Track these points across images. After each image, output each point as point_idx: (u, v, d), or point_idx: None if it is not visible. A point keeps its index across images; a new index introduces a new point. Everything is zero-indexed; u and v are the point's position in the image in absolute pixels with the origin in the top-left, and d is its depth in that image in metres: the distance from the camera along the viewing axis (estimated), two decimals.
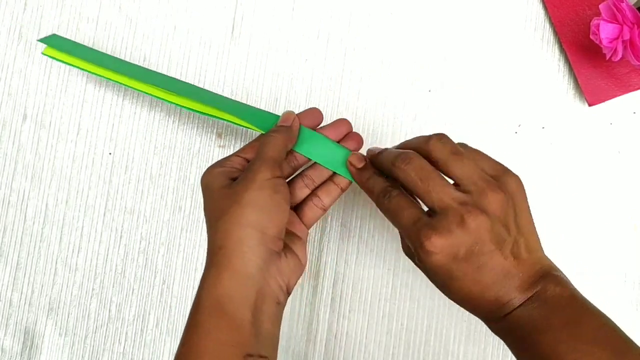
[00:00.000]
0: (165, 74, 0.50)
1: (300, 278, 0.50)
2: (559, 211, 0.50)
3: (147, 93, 0.45)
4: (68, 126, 0.52)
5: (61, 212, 0.52)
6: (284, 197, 0.37)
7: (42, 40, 0.48)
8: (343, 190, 0.43)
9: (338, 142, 0.43)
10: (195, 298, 0.35)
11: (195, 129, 0.52)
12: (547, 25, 0.51)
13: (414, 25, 0.52)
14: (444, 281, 0.34)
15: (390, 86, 0.51)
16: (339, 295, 0.50)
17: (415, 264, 0.36)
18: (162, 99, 0.45)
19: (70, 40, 0.50)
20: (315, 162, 0.43)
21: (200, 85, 0.52)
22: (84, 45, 0.50)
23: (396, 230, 0.50)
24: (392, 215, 0.36)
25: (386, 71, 0.52)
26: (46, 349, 0.51)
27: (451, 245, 0.32)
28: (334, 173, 0.42)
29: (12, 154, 0.52)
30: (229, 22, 0.52)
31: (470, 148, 0.37)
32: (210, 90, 0.50)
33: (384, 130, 0.51)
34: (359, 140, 0.43)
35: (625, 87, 0.50)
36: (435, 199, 0.34)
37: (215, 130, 0.52)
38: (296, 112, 0.43)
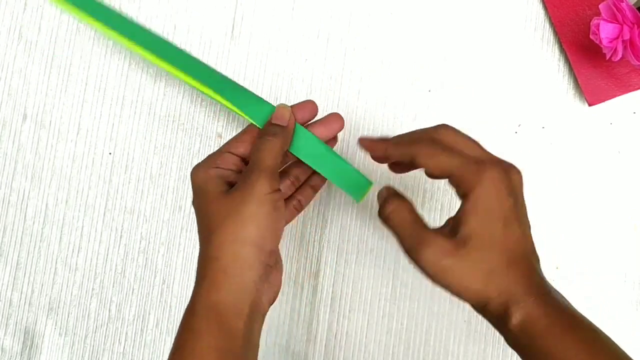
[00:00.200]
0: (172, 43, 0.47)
1: (301, 277, 0.50)
2: (559, 211, 0.50)
3: (147, 59, 0.43)
4: (68, 126, 0.52)
5: (61, 211, 0.52)
6: (282, 214, 0.37)
7: None
8: (316, 191, 0.43)
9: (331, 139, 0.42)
10: (190, 305, 0.35)
11: (195, 129, 0.52)
12: (547, 25, 0.51)
13: (414, 25, 0.52)
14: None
15: (390, 86, 0.51)
16: (339, 295, 0.50)
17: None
18: (159, 65, 0.43)
19: None
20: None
21: None
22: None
23: None
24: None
25: (386, 71, 0.52)
26: (46, 348, 0.51)
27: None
28: (312, 174, 0.42)
29: (12, 154, 0.53)
30: (229, 22, 0.52)
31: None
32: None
33: (384, 130, 0.51)
34: (335, 125, 0.42)
35: (625, 87, 0.50)
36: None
37: (215, 130, 0.52)
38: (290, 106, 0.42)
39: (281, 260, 0.41)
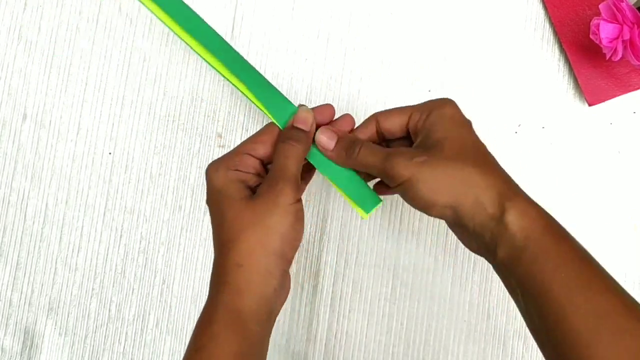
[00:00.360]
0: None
1: (301, 277, 0.50)
2: (559, 211, 0.50)
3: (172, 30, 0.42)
4: (68, 126, 0.52)
5: (61, 211, 0.52)
6: (303, 225, 0.37)
7: None
8: (306, 184, 0.44)
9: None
10: (210, 308, 0.35)
11: (195, 129, 0.52)
12: (547, 25, 0.51)
13: (414, 25, 0.52)
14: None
15: (390, 86, 0.51)
16: (339, 295, 0.50)
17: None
18: (186, 42, 0.42)
19: None
20: None
21: (200, 84, 0.52)
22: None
23: (396, 230, 0.50)
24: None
25: (386, 71, 0.52)
26: (46, 348, 0.51)
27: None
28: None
29: (12, 154, 0.53)
30: (229, 21, 0.52)
31: None
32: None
33: None
34: (349, 126, 0.41)
35: (625, 87, 0.50)
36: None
37: (215, 130, 0.52)
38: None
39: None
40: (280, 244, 0.35)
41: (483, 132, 0.51)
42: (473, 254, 0.37)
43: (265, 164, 0.40)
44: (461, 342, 0.49)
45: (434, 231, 0.50)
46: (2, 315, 0.52)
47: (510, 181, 0.35)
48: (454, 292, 0.50)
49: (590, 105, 0.50)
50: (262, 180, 0.38)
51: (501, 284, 0.36)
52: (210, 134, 0.52)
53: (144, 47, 0.53)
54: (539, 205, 0.34)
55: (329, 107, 0.41)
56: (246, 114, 0.52)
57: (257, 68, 0.52)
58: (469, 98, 0.51)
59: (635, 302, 0.32)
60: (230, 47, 0.43)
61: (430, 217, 0.51)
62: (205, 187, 0.38)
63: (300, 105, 0.40)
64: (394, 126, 0.38)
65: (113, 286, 0.52)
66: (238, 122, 0.52)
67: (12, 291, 0.52)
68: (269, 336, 0.37)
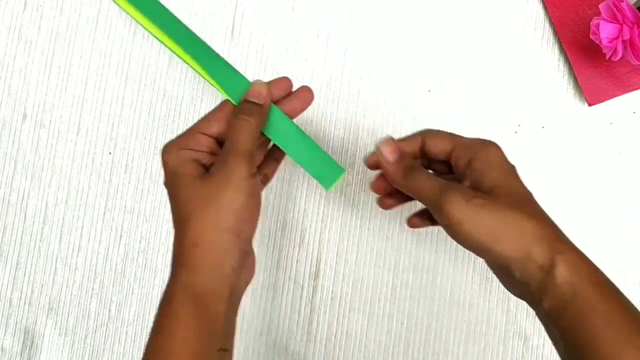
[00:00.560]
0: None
1: (301, 277, 0.50)
2: (559, 211, 0.50)
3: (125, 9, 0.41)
4: (68, 126, 0.52)
5: (61, 211, 0.52)
6: (259, 199, 0.37)
7: None
8: (279, 162, 0.43)
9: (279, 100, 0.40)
10: (169, 289, 0.35)
11: None
12: (547, 25, 0.51)
13: (414, 25, 0.52)
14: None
15: (390, 86, 0.51)
16: (339, 295, 0.50)
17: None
18: (137, 20, 0.41)
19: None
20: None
21: (200, 84, 0.52)
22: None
23: (396, 230, 0.50)
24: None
25: (386, 71, 0.52)
26: (46, 348, 0.51)
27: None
28: (274, 146, 0.41)
29: (12, 154, 0.53)
30: (229, 21, 0.52)
31: None
32: None
33: (384, 129, 0.51)
34: (307, 98, 0.41)
35: (625, 87, 0.50)
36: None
37: None
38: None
39: (252, 245, 0.40)
40: (235, 221, 0.35)
41: (483, 132, 0.51)
42: (473, 254, 0.37)
43: (221, 143, 0.39)
44: (461, 342, 0.49)
45: (434, 231, 0.50)
46: (2, 315, 0.52)
47: (559, 232, 0.35)
48: (454, 292, 0.50)
49: (590, 105, 0.50)
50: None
51: (501, 284, 0.36)
52: None
53: (143, 47, 0.52)
54: (589, 259, 0.34)
55: (285, 80, 0.40)
56: None
57: (257, 67, 0.52)
58: (469, 98, 0.51)
59: None
60: (181, 23, 0.42)
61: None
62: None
63: (255, 80, 0.39)
64: (437, 150, 0.38)
65: (113, 286, 0.52)
66: None
67: (12, 291, 0.52)
68: (234, 316, 0.37)
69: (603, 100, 0.50)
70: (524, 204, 0.34)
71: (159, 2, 0.42)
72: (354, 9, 0.52)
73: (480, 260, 0.41)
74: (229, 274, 0.35)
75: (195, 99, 0.52)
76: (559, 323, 0.33)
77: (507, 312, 0.49)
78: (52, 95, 0.53)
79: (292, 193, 0.51)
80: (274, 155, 0.42)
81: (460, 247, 0.47)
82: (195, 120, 0.38)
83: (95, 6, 0.53)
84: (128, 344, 0.51)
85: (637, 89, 0.50)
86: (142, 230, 0.52)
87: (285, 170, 0.51)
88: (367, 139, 0.51)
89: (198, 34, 0.52)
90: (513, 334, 0.49)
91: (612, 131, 0.51)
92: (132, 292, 0.51)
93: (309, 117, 0.51)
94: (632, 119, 0.51)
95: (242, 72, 0.52)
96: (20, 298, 0.52)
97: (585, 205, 0.50)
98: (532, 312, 0.34)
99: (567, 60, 0.51)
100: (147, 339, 0.35)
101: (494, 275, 0.37)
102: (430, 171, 0.38)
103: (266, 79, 0.52)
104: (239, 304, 0.37)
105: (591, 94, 0.50)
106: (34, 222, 0.52)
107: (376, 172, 0.40)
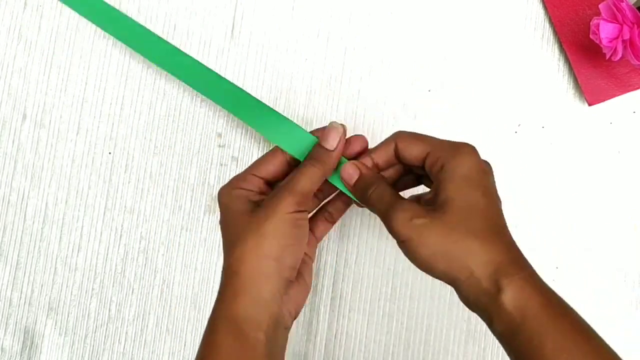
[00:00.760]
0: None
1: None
2: (559, 211, 0.50)
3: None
4: (68, 125, 0.52)
5: (61, 211, 0.52)
6: (304, 232, 0.37)
7: None
8: (348, 205, 0.43)
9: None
10: (211, 318, 0.36)
11: (195, 129, 0.52)
12: (547, 25, 0.51)
13: (414, 25, 0.52)
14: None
15: (390, 86, 0.51)
16: (339, 295, 0.50)
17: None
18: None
19: None
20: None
21: None
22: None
23: None
24: None
25: (386, 71, 0.52)
26: (46, 348, 0.51)
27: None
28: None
29: (12, 154, 0.53)
30: (229, 21, 0.52)
31: None
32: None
33: (384, 129, 0.51)
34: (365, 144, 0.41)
35: (625, 87, 0.50)
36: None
37: (215, 130, 0.52)
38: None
39: (308, 278, 0.40)
40: (275, 249, 0.35)
41: (483, 132, 0.51)
42: None
43: (271, 184, 0.40)
44: (461, 343, 0.49)
45: None
46: (2, 315, 0.52)
47: (511, 252, 0.33)
48: (454, 292, 0.49)
49: (590, 105, 0.50)
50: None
51: None
52: (210, 134, 0.52)
53: None
54: (539, 279, 0.33)
55: (361, 139, 0.41)
56: None
57: (257, 67, 0.52)
58: (469, 98, 0.51)
59: None
60: (234, 86, 0.44)
61: None
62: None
63: (332, 123, 0.40)
64: (410, 157, 0.37)
65: (113, 286, 0.52)
66: (238, 122, 0.51)
67: (12, 291, 0.52)
68: (281, 347, 0.37)
69: (603, 100, 0.50)
70: (477, 221, 0.33)
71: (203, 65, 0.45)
72: (354, 9, 0.52)
73: None
74: (268, 301, 0.35)
75: (195, 99, 0.52)
76: (512, 346, 0.32)
77: None
78: (52, 95, 0.53)
79: None
80: (342, 197, 0.43)
81: None
82: (196, 122, 0.38)
83: None
84: (128, 344, 0.51)
85: (637, 88, 0.50)
86: (142, 230, 0.52)
87: None
88: (367, 139, 0.51)
89: (198, 34, 0.52)
90: None
91: (612, 131, 0.51)
92: (132, 292, 0.51)
93: (309, 117, 0.51)
94: (632, 119, 0.51)
95: (241, 71, 0.52)
96: (20, 298, 0.52)
97: (585, 205, 0.50)
98: None
99: (567, 60, 0.51)
100: None
101: None
102: (385, 187, 0.37)
103: (266, 79, 0.52)
104: (285, 334, 0.37)
105: (591, 94, 0.50)
106: (34, 222, 0.52)
107: None
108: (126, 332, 0.51)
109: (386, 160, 0.39)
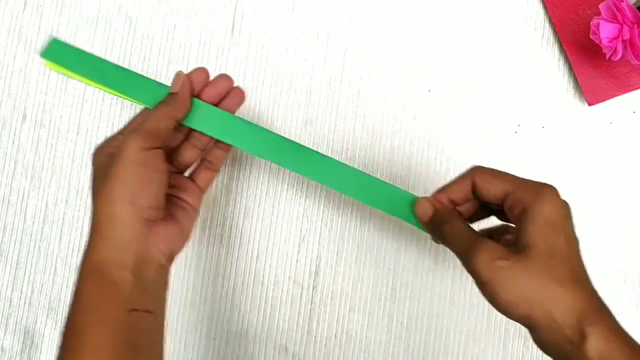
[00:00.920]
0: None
1: (301, 277, 0.50)
2: None
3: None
4: (68, 125, 0.52)
5: (61, 211, 0.52)
6: (155, 169, 0.37)
7: (43, 54, 0.43)
8: (227, 151, 0.43)
9: (220, 101, 0.41)
10: (77, 270, 0.36)
11: None
12: (547, 25, 0.51)
13: (414, 25, 0.52)
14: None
15: (390, 86, 0.51)
16: (339, 295, 0.50)
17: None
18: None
19: (73, 48, 0.45)
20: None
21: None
22: (88, 54, 0.45)
23: (396, 229, 0.50)
24: None
25: (386, 70, 0.52)
26: (46, 348, 0.51)
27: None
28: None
29: (12, 154, 0.53)
30: (229, 21, 0.52)
31: None
32: None
33: (384, 129, 0.51)
34: (241, 96, 0.41)
35: (625, 87, 0.50)
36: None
37: None
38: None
39: (186, 224, 0.40)
40: (124, 191, 0.35)
41: (483, 132, 0.51)
42: None
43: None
44: (461, 343, 0.49)
45: None
46: (2, 315, 0.52)
47: (594, 300, 0.33)
48: (454, 292, 0.50)
49: (590, 105, 0.50)
50: None
51: None
52: None
53: (143, 47, 0.52)
54: (622, 329, 0.33)
55: (222, 79, 0.41)
56: None
57: (257, 67, 0.52)
58: (469, 98, 0.51)
59: None
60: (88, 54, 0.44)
61: None
62: None
63: (176, 73, 0.40)
64: (488, 195, 0.36)
65: None
66: None
67: (12, 291, 0.52)
68: (155, 282, 0.37)
69: (603, 100, 0.50)
70: (560, 267, 0.33)
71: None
72: (354, 9, 0.52)
73: None
74: (129, 242, 0.35)
75: None
76: None
77: None
78: (52, 95, 0.53)
79: (292, 193, 0.51)
80: (219, 145, 0.43)
81: None
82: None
83: (95, 6, 0.53)
84: None
85: (637, 88, 0.50)
86: None
87: (285, 171, 0.51)
88: (367, 139, 0.51)
89: (198, 34, 0.52)
90: (513, 334, 0.49)
91: (612, 131, 0.51)
92: None
93: (308, 117, 0.51)
94: (632, 119, 0.51)
95: (241, 71, 0.52)
96: (20, 298, 0.52)
97: (585, 205, 0.50)
98: None
99: (567, 60, 0.51)
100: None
101: None
102: (462, 223, 0.36)
103: (266, 79, 0.52)
104: (159, 271, 0.37)
105: (591, 94, 0.50)
106: (34, 222, 0.52)
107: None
108: None
109: (463, 197, 0.38)
